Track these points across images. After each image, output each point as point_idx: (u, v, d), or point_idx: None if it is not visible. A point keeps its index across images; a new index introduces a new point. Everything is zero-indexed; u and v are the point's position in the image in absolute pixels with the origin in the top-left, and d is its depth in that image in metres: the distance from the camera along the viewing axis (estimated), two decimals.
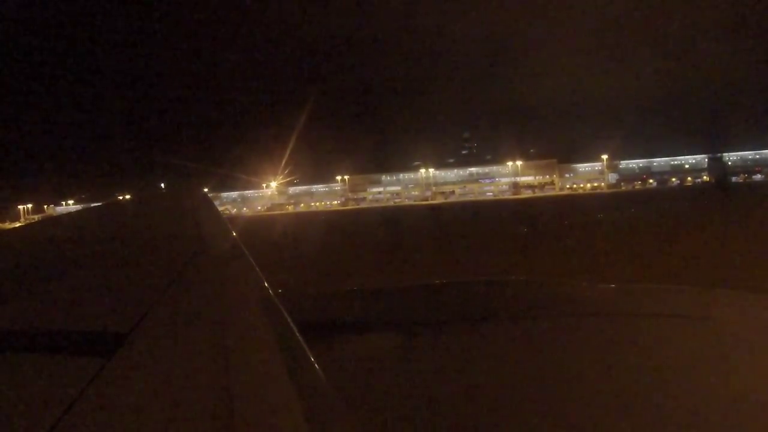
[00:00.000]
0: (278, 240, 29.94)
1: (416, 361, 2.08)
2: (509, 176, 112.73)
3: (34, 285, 1.73)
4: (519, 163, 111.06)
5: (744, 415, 1.63)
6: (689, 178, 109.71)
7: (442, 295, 3.02)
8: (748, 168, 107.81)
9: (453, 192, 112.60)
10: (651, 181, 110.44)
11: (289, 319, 1.49)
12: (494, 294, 2.91)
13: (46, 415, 0.91)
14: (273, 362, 1.19)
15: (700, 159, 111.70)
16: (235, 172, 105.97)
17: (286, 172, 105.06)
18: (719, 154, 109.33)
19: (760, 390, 1.73)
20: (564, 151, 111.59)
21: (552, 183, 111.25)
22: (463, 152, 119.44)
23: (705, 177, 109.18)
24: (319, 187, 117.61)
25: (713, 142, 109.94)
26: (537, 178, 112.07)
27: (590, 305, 2.60)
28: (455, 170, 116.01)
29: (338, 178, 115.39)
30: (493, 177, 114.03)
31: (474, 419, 1.65)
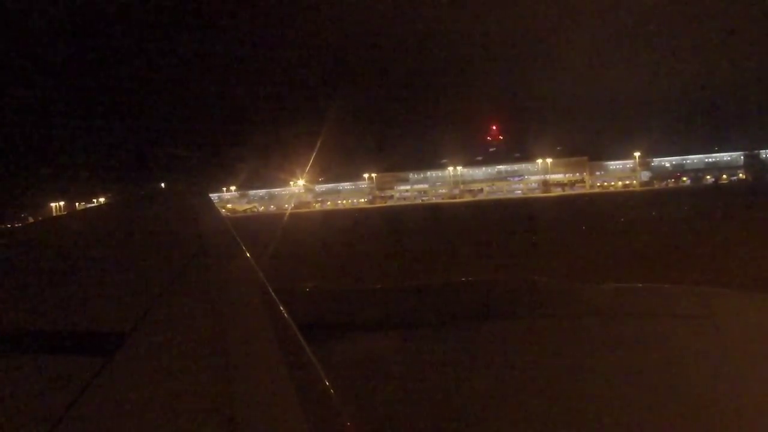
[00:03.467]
0: (312, 240, 29.17)
1: (416, 361, 2.10)
2: (538, 174, 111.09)
3: (34, 285, 1.74)
4: (549, 160, 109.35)
5: (744, 415, 1.64)
6: (724, 176, 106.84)
7: (442, 295, 2.99)
8: None
9: (481, 190, 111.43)
10: (685, 179, 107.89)
11: (289, 319, 1.49)
12: (494, 294, 2.89)
13: (46, 415, 0.90)
14: (273, 362, 1.17)
15: (736, 156, 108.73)
16: (262, 169, 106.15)
17: (313, 170, 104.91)
18: (756, 151, 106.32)
19: (760, 390, 1.76)
20: (595, 149, 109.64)
21: (582, 181, 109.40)
22: (491, 150, 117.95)
23: (741, 174, 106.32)
24: (346, 185, 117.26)
25: (749, 138, 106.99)
26: (567, 175, 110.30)
27: (590, 305, 2.59)
28: (483, 168, 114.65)
29: (365, 176, 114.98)
30: (522, 175, 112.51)
31: (474, 419, 1.65)
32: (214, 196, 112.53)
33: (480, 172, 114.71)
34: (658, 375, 1.85)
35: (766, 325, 2.33)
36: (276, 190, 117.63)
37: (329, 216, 65.74)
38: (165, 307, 1.48)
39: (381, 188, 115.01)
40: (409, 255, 19.88)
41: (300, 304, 2.66)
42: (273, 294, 1.68)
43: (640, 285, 3.18)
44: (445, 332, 2.33)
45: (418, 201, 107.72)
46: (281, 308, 1.57)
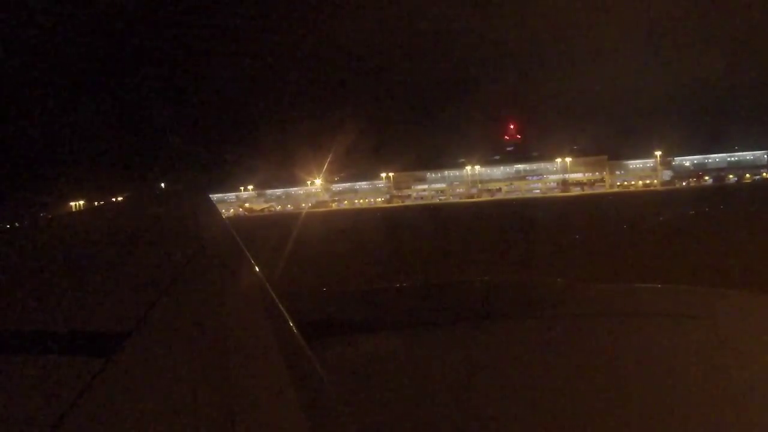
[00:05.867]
0: (326, 241, 28.49)
1: (416, 361, 2.12)
2: (557, 173, 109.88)
3: (35, 285, 1.75)
4: (568, 159, 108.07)
5: (744, 415, 1.64)
6: (748, 175, 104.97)
7: (442, 295, 2.98)
8: None
9: (500, 189, 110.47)
10: (707, 178, 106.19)
11: (289, 319, 1.51)
12: (494, 294, 2.88)
13: (46, 415, 0.90)
14: (273, 362, 1.18)
15: (759, 155, 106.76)
16: (279, 169, 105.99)
17: (330, 169, 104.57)
18: None
19: (760, 390, 1.77)
20: (614, 148, 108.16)
21: (602, 180, 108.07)
22: (509, 149, 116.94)
23: (765, 174, 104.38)
24: (363, 184, 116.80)
25: None
26: (586, 175, 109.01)
27: (590, 305, 2.61)
28: (501, 167, 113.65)
29: (382, 175, 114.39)
30: (541, 174, 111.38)
31: (474, 419, 1.65)
32: (231, 195, 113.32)
33: (498, 171, 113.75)
34: (658, 375, 1.84)
35: (766, 325, 2.31)
36: (293, 190, 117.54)
37: (345, 215, 65.06)
38: (165, 308, 1.48)
39: (398, 187, 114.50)
40: (423, 255, 19.34)
41: (301, 304, 2.60)
42: (273, 294, 1.68)
43: (640, 285, 3.09)
44: (445, 332, 2.31)
45: (436, 200, 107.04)
46: (281, 308, 1.57)
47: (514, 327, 2.38)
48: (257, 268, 2.06)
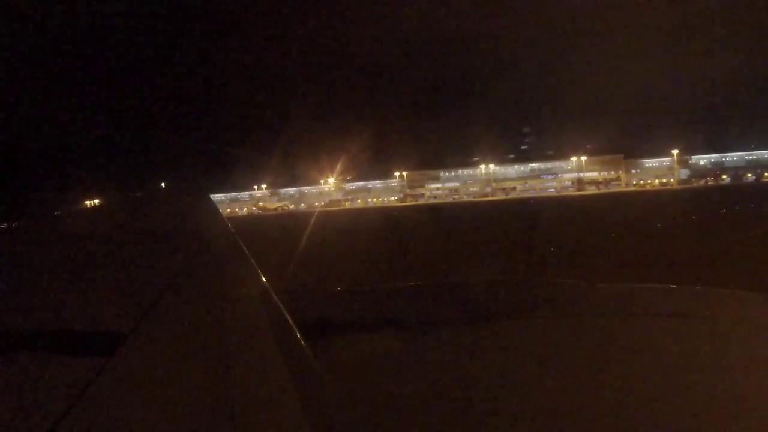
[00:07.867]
0: (337, 241, 27.96)
1: (416, 361, 2.12)
2: (572, 172, 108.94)
3: (35, 285, 1.76)
4: (583, 158, 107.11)
5: (744, 415, 1.62)
6: (767, 174, 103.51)
7: (442, 295, 2.97)
8: None
9: (514, 188, 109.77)
10: (724, 176, 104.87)
11: (289, 319, 1.52)
12: (494, 294, 2.87)
13: (46, 415, 0.91)
14: (273, 362, 1.18)
15: None
16: (293, 167, 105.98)
17: (343, 168, 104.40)
18: None
19: (760, 390, 1.75)
20: (630, 146, 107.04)
21: (618, 179, 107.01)
22: (523, 147, 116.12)
23: None
24: (377, 183, 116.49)
25: None
26: (602, 173, 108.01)
27: (590, 305, 2.61)
28: (516, 166, 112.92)
29: (396, 174, 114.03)
30: (555, 173, 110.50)
31: (474, 419, 1.65)
32: (245, 194, 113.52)
33: (512, 170, 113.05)
34: (658, 375, 1.83)
35: (766, 325, 2.30)
36: (306, 188, 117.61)
37: (357, 214, 64.44)
38: (165, 308, 1.48)
39: (412, 186, 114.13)
40: (431, 255, 18.91)
41: (301, 304, 2.58)
42: (273, 294, 1.69)
43: (640, 285, 3.11)
44: (445, 332, 2.31)
45: (450, 199, 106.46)
46: (282, 308, 1.58)
47: (514, 327, 2.35)
48: (257, 268, 2.06)
